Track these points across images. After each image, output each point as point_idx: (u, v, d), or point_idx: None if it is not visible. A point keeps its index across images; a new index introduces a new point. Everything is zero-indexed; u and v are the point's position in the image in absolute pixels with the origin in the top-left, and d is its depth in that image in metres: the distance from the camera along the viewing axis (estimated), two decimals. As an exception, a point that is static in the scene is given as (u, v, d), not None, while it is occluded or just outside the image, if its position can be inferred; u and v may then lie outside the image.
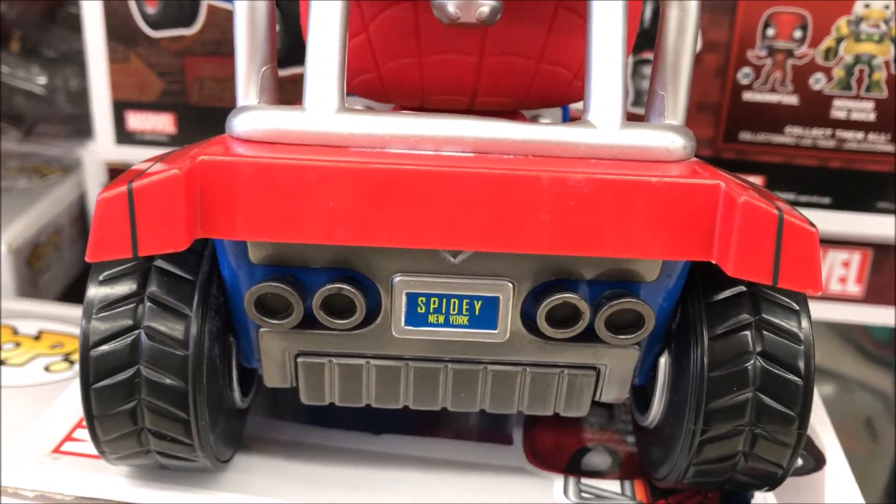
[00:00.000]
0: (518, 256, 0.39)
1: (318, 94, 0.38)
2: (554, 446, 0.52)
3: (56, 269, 0.83)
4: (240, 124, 0.38)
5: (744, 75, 0.74)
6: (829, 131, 0.74)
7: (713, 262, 0.37)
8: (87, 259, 0.36)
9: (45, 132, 1.00)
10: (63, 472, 0.46)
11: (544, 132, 0.38)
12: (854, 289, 0.80)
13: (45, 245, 0.81)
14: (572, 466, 0.50)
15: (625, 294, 0.40)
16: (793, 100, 0.74)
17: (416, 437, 0.52)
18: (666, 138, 0.39)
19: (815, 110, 0.74)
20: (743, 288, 0.42)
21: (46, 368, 0.59)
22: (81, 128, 0.92)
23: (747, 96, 0.74)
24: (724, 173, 0.39)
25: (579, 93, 0.46)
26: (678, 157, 0.39)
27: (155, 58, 0.79)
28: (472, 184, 0.36)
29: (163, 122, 0.81)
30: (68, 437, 0.49)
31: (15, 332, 0.64)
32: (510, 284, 0.40)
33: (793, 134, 0.75)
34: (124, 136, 0.82)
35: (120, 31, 0.77)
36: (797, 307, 0.42)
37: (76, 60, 0.94)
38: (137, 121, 0.81)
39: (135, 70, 0.80)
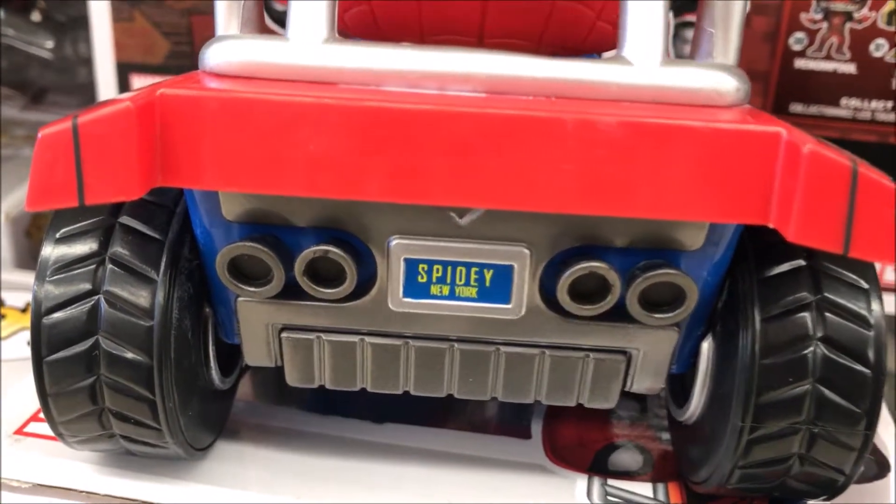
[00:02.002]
0: (537, 217, 0.34)
1: (303, 22, 0.33)
2: (577, 442, 0.46)
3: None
4: (213, 56, 0.33)
5: (796, 41, 0.68)
6: (890, 104, 0.68)
7: (770, 225, 0.31)
8: (26, 207, 0.31)
9: (56, 101, 0.96)
10: (22, 456, 0.41)
11: (570, 68, 0.32)
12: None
13: (45, 216, 0.78)
14: (597, 465, 0.44)
15: (662, 264, 0.34)
16: (850, 68, 0.68)
17: (422, 427, 0.47)
18: (715, 78, 0.33)
19: (874, 80, 0.67)
20: (802, 261, 0.36)
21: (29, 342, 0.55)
22: (93, 96, 0.88)
23: (799, 64, 0.68)
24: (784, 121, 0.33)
25: (604, 39, 0.40)
26: (729, 102, 0.33)
27: (161, 17, 0.74)
28: (484, 127, 0.30)
29: (169, 87, 0.76)
30: (34, 417, 0.44)
31: (1, 304, 0.60)
32: (527, 251, 0.34)
33: (849, 106, 0.68)
34: (129, 100, 0.77)
35: (124, -12, 0.73)
36: (866, 285, 0.35)
37: (87, 25, 0.90)
38: (143, 84, 0.76)
39: (140, 30, 0.75)
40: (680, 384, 0.42)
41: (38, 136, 0.30)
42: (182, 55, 0.75)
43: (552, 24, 0.37)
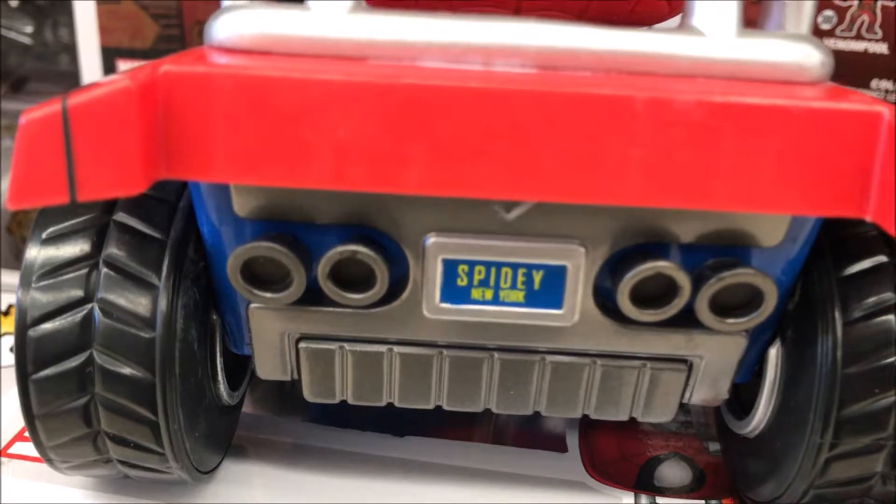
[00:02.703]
0: (594, 211, 0.29)
1: (327, -11, 0.28)
2: (619, 455, 0.42)
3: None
4: (222, 28, 0.29)
5: (825, 19, 0.64)
6: (926, 86, 0.64)
7: (868, 219, 0.27)
8: (6, 205, 0.26)
9: (37, 90, 0.92)
10: (8, 481, 0.37)
11: (634, 39, 0.28)
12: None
13: (28, 211, 0.73)
14: (643, 481, 0.40)
15: (736, 263, 0.30)
16: (882, 48, 0.64)
17: (447, 441, 0.42)
18: (800, 51, 0.29)
19: (908, 61, 0.64)
20: (884, 258, 0.32)
21: (13, 349, 0.50)
22: (76, 85, 0.84)
23: (828, 44, 0.64)
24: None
25: (654, 11, 0.36)
26: (813, 78, 0.29)
27: (149, -2, 0.70)
28: (539, 108, 0.26)
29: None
30: (19, 437, 0.40)
31: (-23, 306, 0.56)
32: (582, 249, 0.30)
33: (881, 88, 0.65)
34: (115, 87, 0.72)
35: (107, -35, 0.68)
36: (957, 284, 0.31)
37: (68, 9, 0.85)
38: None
39: (126, 12, 0.71)
40: (736, 394, 0.38)
41: (21, 121, 0.26)
42: (172, 39, 0.71)
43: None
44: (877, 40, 0.64)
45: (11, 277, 0.61)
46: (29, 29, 0.88)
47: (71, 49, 0.85)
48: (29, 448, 0.39)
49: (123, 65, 0.73)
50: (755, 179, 0.27)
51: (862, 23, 0.64)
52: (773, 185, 0.27)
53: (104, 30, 0.72)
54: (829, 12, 0.64)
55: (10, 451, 0.39)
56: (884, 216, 0.27)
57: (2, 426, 0.41)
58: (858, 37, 0.64)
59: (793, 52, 0.29)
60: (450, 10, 0.34)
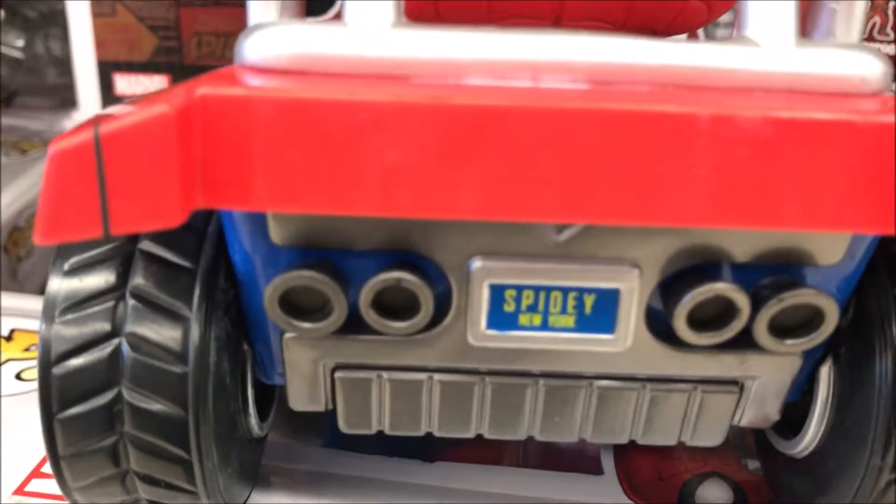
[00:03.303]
0: (648, 232, 0.28)
1: (365, 4, 0.27)
2: (656, 476, 0.41)
3: (38, 257, 0.74)
4: (255, 47, 0.27)
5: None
6: (940, 86, 0.63)
7: None
8: (34, 240, 0.25)
9: (28, 104, 0.90)
10: (26, 522, 0.35)
11: (692, 53, 0.27)
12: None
13: (25, 229, 0.72)
14: (684, 502, 0.39)
15: (795, 283, 0.29)
16: (892, 50, 0.64)
17: (478, 465, 0.41)
18: (862, 62, 0.27)
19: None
20: (940, 272, 0.31)
21: (18, 376, 0.49)
22: (67, 98, 0.82)
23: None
24: None
25: (695, 17, 0.35)
26: (875, 89, 0.28)
27: (146, 10, 0.68)
28: (593, 126, 0.25)
29: (156, 85, 0.71)
30: (35, 473, 0.38)
31: (-24, 331, 0.54)
32: (636, 271, 0.29)
33: (892, 89, 0.64)
34: (112, 102, 0.71)
35: (104, -23, 0.67)
36: None
37: (59, 21, 0.83)
38: (127, 84, 0.71)
39: (123, 25, 0.70)
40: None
41: (49, 152, 0.24)
42: (171, 51, 0.70)
43: (640, 3, 0.32)
44: (889, 42, 0.64)
45: (9, 300, 0.59)
46: (20, 43, 0.86)
47: (63, 62, 0.84)
48: (46, 485, 0.38)
49: (120, 78, 0.71)
50: (821, 197, 0.26)
51: (874, 24, 0.63)
52: (838, 203, 0.26)
53: (100, 43, 0.71)
54: (840, 14, 0.63)
55: (27, 488, 0.38)
56: (954, 233, 0.25)
57: (2, 460, 0.40)
58: (871, 38, 0.64)
59: (855, 62, 0.27)
60: (488, 23, 0.33)
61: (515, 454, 0.42)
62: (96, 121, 0.25)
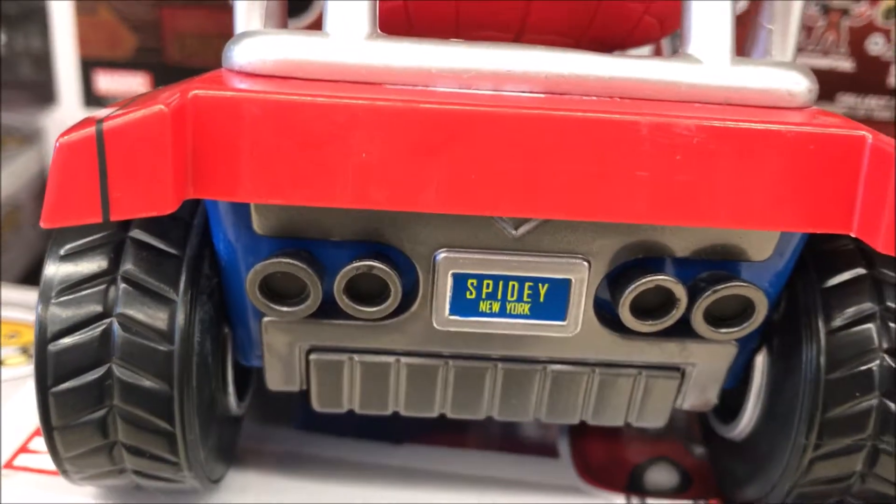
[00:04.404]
0: (596, 228, 0.31)
1: (343, 16, 0.30)
2: (609, 460, 0.43)
3: (15, 252, 0.75)
4: (242, 53, 0.30)
5: (794, 37, 0.66)
6: (886, 101, 0.67)
7: (852, 234, 0.29)
8: (41, 224, 0.27)
9: (3, 98, 0.91)
10: (14, 493, 0.37)
11: (637, 67, 0.30)
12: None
13: (2, 224, 0.73)
14: (634, 484, 0.42)
15: (730, 276, 0.32)
16: (846, 64, 0.67)
17: (443, 448, 0.44)
18: (788, 78, 0.31)
19: (871, 77, 0.67)
20: (862, 270, 0.34)
21: (0, 362, 0.50)
22: (43, 94, 0.83)
23: (797, 60, 0.67)
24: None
25: (648, 32, 0.38)
26: (801, 103, 0.31)
27: (127, 10, 0.70)
28: (548, 131, 0.28)
29: (137, 84, 0.72)
30: (23, 449, 0.41)
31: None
32: (585, 263, 0.31)
33: (846, 104, 0.68)
34: (93, 99, 0.73)
35: (88, -23, 0.69)
36: (929, 294, 0.34)
37: (40, 17, 0.85)
38: (108, 82, 0.72)
39: (104, 24, 0.71)
40: (722, 399, 0.40)
41: (56, 144, 0.27)
42: (151, 51, 0.71)
43: (597, 19, 0.35)
44: (842, 57, 0.67)
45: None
46: (3, 39, 0.88)
47: (42, 59, 0.85)
48: (33, 460, 0.40)
49: (103, 76, 0.73)
50: (750, 198, 0.29)
51: (828, 41, 0.67)
52: (766, 204, 0.29)
53: (82, 41, 0.72)
54: (797, 31, 0.66)
55: (16, 463, 0.40)
56: (869, 232, 0.29)
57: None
58: (825, 53, 0.67)
59: (783, 79, 0.31)
60: (456, 35, 0.35)
61: (478, 438, 0.45)
62: (100, 117, 0.27)
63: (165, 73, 0.71)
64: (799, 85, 0.31)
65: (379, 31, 0.30)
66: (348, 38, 0.30)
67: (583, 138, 0.28)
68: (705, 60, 0.30)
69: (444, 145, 0.28)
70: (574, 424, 0.45)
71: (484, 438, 0.45)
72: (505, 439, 0.45)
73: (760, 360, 0.36)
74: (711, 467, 0.43)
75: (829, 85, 0.68)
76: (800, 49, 0.66)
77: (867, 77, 0.68)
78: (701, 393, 0.36)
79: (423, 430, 0.44)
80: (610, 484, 0.42)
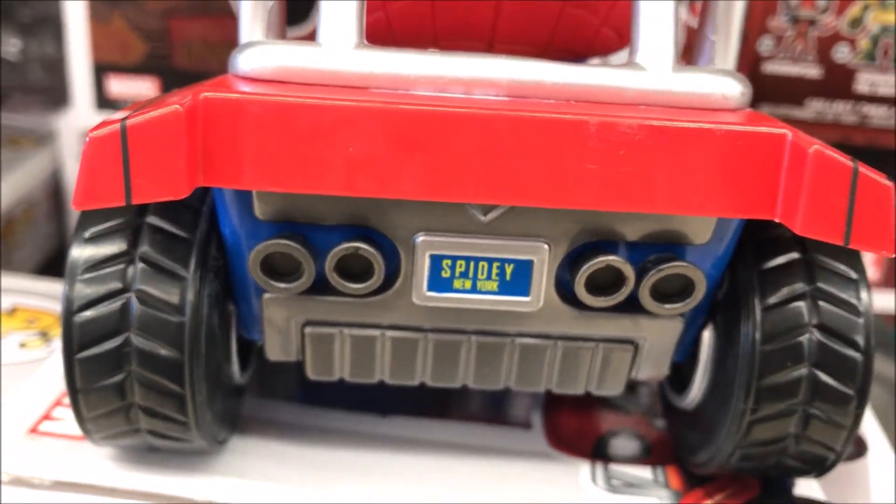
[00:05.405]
0: (555, 214, 0.35)
1: (334, 28, 0.34)
2: (577, 431, 0.48)
3: (30, 246, 0.79)
4: (246, 61, 0.34)
5: (765, 46, 0.70)
6: (852, 106, 0.71)
7: (776, 220, 0.33)
8: (73, 206, 0.31)
9: (18, 102, 0.95)
10: (40, 454, 0.42)
11: (589, 74, 0.34)
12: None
13: (18, 220, 0.77)
14: (599, 451, 0.46)
15: (673, 258, 0.36)
16: (814, 72, 0.71)
17: (425, 419, 0.48)
18: (723, 84, 0.35)
19: (837, 83, 0.70)
20: (797, 254, 0.38)
21: (21, 345, 0.55)
22: (56, 98, 0.87)
23: (768, 68, 0.71)
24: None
25: (607, 43, 0.42)
26: (735, 106, 0.35)
27: (139, 19, 0.74)
28: (510, 129, 0.32)
29: (146, 88, 0.76)
30: (46, 416, 0.45)
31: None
32: (546, 246, 0.36)
33: (814, 109, 0.71)
34: (105, 103, 0.77)
35: (103, -12, 0.72)
36: (855, 275, 0.38)
37: (53, 24, 0.89)
38: (119, 86, 0.77)
39: (116, 31, 0.75)
40: (676, 372, 0.44)
41: (86, 138, 0.31)
42: (160, 57, 0.75)
43: (559, 30, 0.39)
44: (810, 64, 0.71)
45: (10, 280, 0.65)
46: (17, 44, 0.91)
47: (56, 64, 0.89)
48: (55, 426, 0.44)
49: (115, 80, 0.77)
50: (687, 188, 0.33)
51: (797, 49, 0.71)
52: (702, 193, 0.33)
53: (96, 47, 0.76)
54: (768, 40, 0.70)
55: (40, 428, 0.44)
56: (789, 217, 0.33)
57: (23, 412, 0.46)
58: (794, 61, 0.71)
59: (718, 84, 0.35)
60: (434, 45, 0.40)
61: (458, 411, 0.49)
62: (125, 115, 0.31)
63: (173, 78, 0.75)
64: (733, 89, 0.35)
65: (365, 41, 0.35)
66: (338, 48, 0.34)
67: (540, 136, 0.32)
68: (649, 68, 0.35)
69: (422, 141, 0.32)
70: (547, 399, 0.50)
71: (462, 411, 0.49)
72: (483, 411, 0.49)
73: (707, 336, 0.41)
74: (670, 437, 0.47)
75: (798, 91, 0.71)
76: (770, 57, 0.71)
77: (834, 83, 0.71)
78: (653, 365, 0.40)
79: (408, 404, 0.49)
80: (577, 451, 0.46)
